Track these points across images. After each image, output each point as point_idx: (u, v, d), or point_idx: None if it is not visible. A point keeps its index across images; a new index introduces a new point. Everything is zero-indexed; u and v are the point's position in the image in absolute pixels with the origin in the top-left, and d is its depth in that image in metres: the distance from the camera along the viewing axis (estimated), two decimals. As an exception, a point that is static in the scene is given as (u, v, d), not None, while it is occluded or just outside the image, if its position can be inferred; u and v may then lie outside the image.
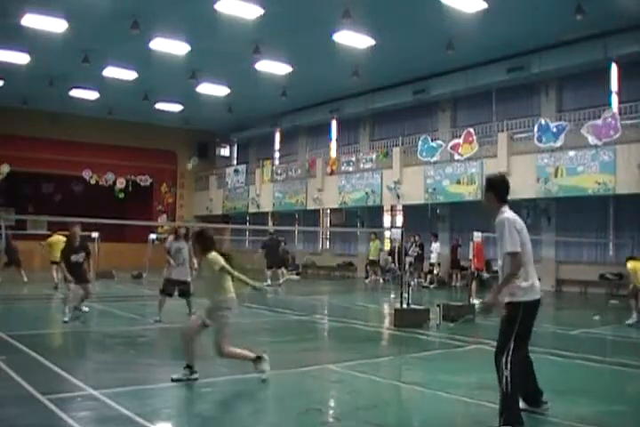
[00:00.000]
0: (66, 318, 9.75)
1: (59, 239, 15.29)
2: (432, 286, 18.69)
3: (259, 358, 5.94)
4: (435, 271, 19.08)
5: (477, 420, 4.89)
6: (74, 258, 10.08)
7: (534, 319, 4.71)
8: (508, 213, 4.74)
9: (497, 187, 4.86)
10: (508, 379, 4.41)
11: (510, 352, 4.47)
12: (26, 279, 16.33)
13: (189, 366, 5.87)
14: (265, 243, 18.96)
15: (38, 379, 5.72)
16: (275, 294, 16.29)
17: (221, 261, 5.85)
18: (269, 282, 18.09)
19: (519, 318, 4.53)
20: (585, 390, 5.91)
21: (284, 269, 18.73)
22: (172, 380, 5.77)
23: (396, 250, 13.64)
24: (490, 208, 4.87)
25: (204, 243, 5.96)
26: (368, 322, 11.08)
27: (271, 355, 7.87)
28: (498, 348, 4.60)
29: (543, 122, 16.80)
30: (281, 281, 18.23)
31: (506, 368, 4.44)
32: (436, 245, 18.77)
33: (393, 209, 23.55)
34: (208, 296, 5.93)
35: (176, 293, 10.08)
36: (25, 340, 7.99)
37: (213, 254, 5.87)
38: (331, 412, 5.04)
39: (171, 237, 10.18)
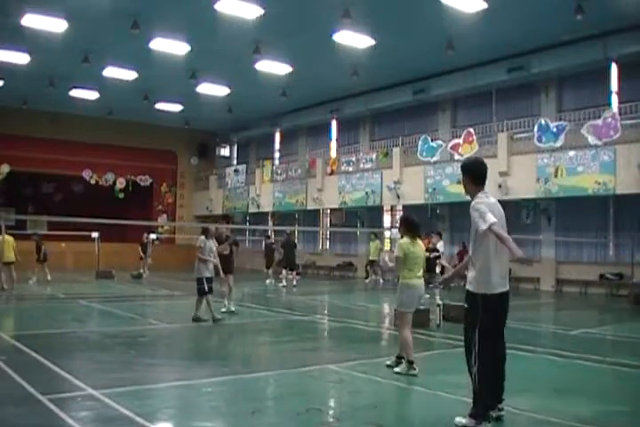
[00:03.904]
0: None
1: (7, 239, 14.60)
2: (431, 286, 18.65)
3: (410, 363, 6.34)
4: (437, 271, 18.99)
5: (477, 420, 4.88)
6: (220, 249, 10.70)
7: (501, 316, 4.57)
8: (484, 199, 4.55)
9: (470, 170, 4.70)
10: (476, 376, 4.47)
11: (477, 349, 4.45)
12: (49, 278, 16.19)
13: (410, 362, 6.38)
14: (284, 243, 18.87)
15: (38, 379, 5.73)
16: (290, 294, 16.32)
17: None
18: (284, 282, 18.14)
19: (480, 312, 4.46)
20: (584, 390, 5.90)
21: (294, 273, 18.42)
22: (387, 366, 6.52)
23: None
24: (467, 193, 4.73)
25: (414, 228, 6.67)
26: (368, 322, 11.08)
27: (271, 355, 7.90)
28: (465, 345, 4.59)
29: (543, 122, 16.79)
30: (294, 282, 18.11)
31: (474, 365, 4.48)
32: (439, 244, 18.69)
33: (393, 209, 23.54)
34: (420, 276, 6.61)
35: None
36: (25, 340, 8.00)
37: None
38: (331, 412, 5.04)
39: (202, 237, 10.18)
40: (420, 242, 6.74)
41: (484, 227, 4.33)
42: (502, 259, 4.57)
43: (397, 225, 7.22)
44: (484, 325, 4.46)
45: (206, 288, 9.93)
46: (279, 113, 26.60)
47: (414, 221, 6.72)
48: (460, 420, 4.51)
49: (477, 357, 4.46)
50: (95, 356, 7.20)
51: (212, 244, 10.22)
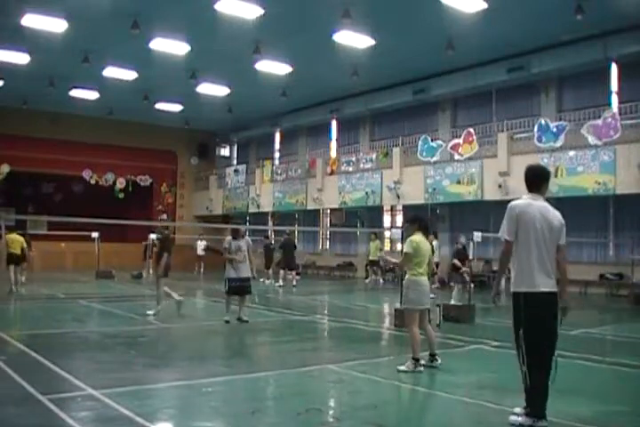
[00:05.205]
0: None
1: (15, 238, 14.41)
2: (433, 286, 18.68)
3: (416, 360, 6.46)
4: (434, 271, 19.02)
5: (477, 420, 4.88)
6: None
7: (545, 317, 4.47)
8: (518, 200, 4.78)
9: (525, 177, 4.93)
10: (526, 374, 4.41)
11: (524, 348, 4.42)
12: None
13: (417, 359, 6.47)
14: (282, 243, 18.91)
15: (38, 379, 5.73)
16: (290, 294, 16.33)
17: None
18: (282, 283, 18.15)
19: (522, 311, 4.47)
20: (584, 390, 5.89)
21: (294, 273, 18.39)
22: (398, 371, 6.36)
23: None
24: None
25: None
26: (368, 322, 11.08)
27: (271, 355, 7.90)
28: (515, 345, 4.58)
29: (543, 122, 16.78)
30: (294, 282, 18.05)
31: (523, 364, 4.43)
32: (435, 244, 18.73)
33: (393, 209, 23.55)
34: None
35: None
36: (25, 340, 8.01)
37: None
38: (331, 412, 5.04)
39: (229, 237, 10.17)
40: (427, 242, 6.88)
41: (498, 235, 4.72)
42: (543, 257, 4.57)
43: (405, 223, 7.29)
44: (527, 324, 4.45)
45: (228, 289, 9.94)
46: (279, 113, 26.60)
47: (427, 222, 7.04)
48: (515, 419, 4.48)
49: (524, 356, 4.42)
50: (95, 356, 7.19)
51: (244, 243, 10.09)
